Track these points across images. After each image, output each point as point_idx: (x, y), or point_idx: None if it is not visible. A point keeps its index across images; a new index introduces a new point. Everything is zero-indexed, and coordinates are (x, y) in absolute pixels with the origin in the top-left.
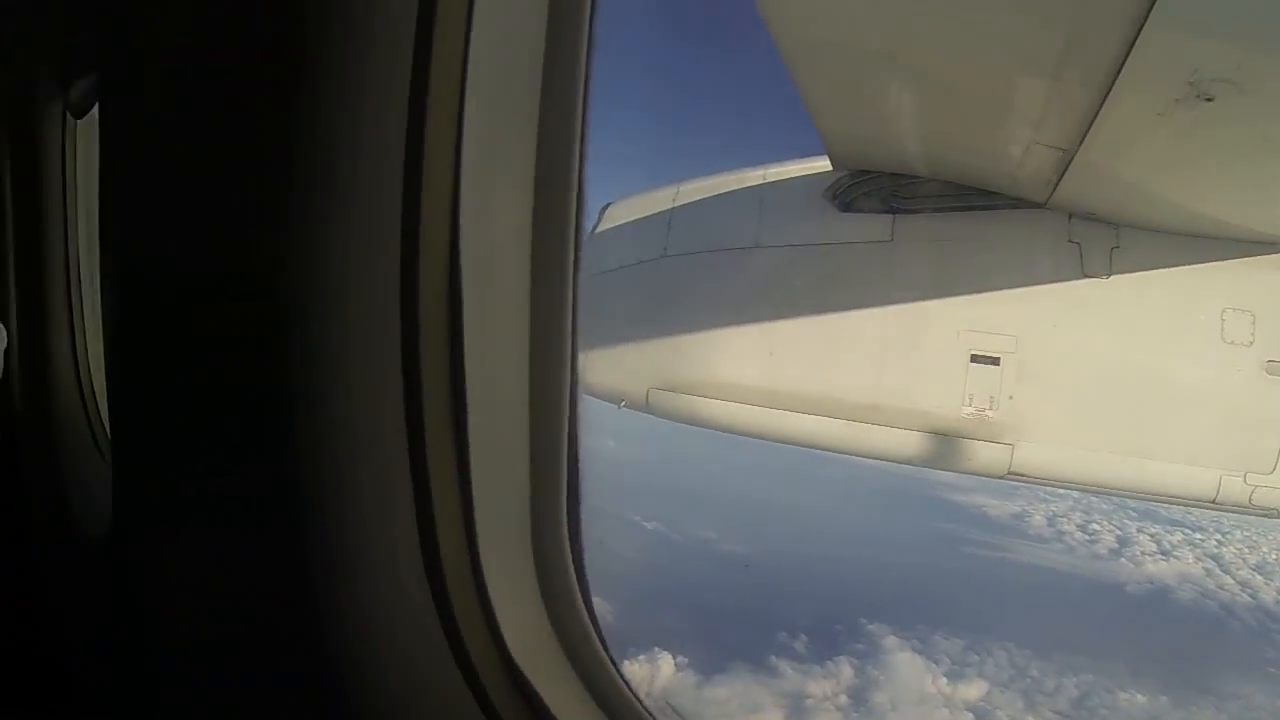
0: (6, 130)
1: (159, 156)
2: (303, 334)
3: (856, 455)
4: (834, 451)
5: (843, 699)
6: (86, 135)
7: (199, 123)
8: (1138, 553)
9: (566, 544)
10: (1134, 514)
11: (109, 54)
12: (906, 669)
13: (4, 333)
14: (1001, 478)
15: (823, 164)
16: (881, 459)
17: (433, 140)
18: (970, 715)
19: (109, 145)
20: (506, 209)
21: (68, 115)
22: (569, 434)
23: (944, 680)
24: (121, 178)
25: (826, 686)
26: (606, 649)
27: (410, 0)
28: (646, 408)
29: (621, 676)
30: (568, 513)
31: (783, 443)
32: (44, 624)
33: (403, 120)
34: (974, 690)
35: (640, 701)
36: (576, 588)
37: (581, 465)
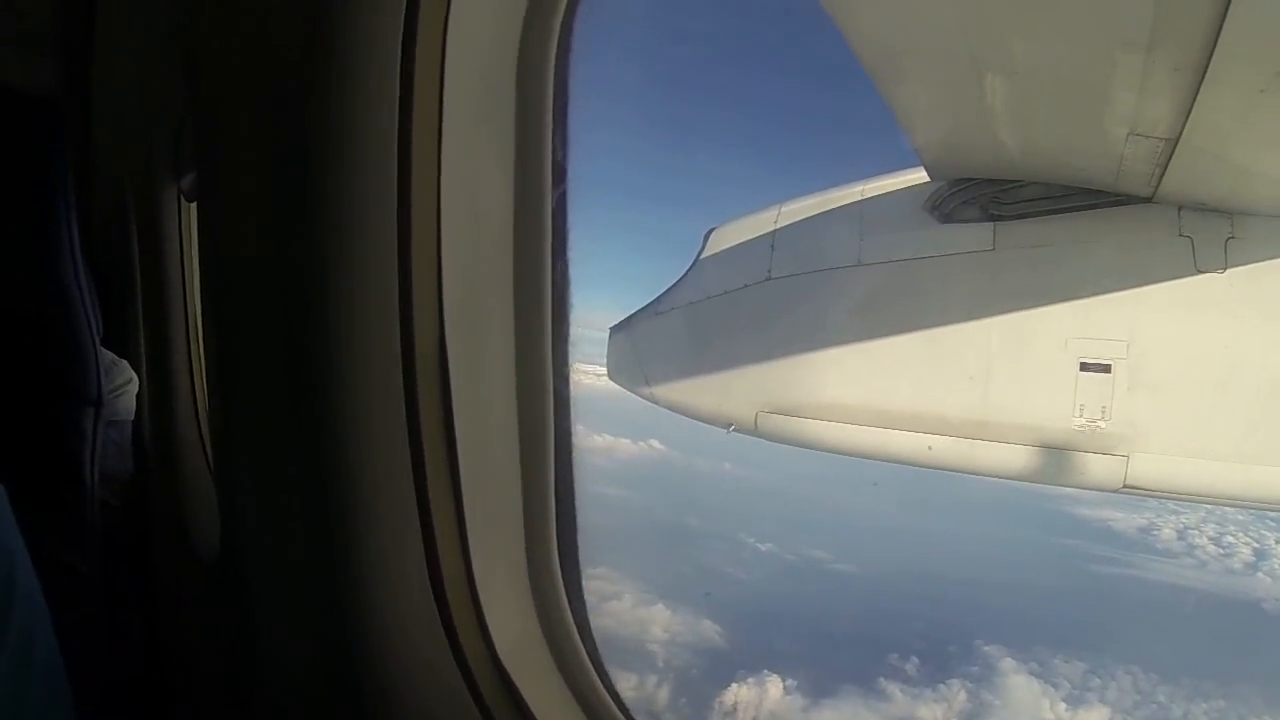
0: (135, 213)
1: (239, 237)
2: (324, 383)
3: (966, 472)
4: (944, 469)
5: None
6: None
7: (263, 210)
8: (1276, 566)
9: (555, 556)
10: (1273, 524)
11: (205, 152)
12: (1022, 693)
13: (136, 379)
14: (1117, 491)
15: (920, 175)
16: (992, 475)
17: (418, 156)
18: None
19: (205, 223)
20: (488, 247)
21: (181, 199)
22: (558, 451)
23: (1063, 705)
24: (212, 251)
25: (938, 711)
26: (593, 654)
27: (392, 45)
28: (755, 431)
29: (604, 680)
30: (558, 526)
31: (892, 462)
32: (166, 640)
33: (392, 149)
34: (1095, 716)
35: (622, 705)
36: (565, 596)
37: (573, 479)
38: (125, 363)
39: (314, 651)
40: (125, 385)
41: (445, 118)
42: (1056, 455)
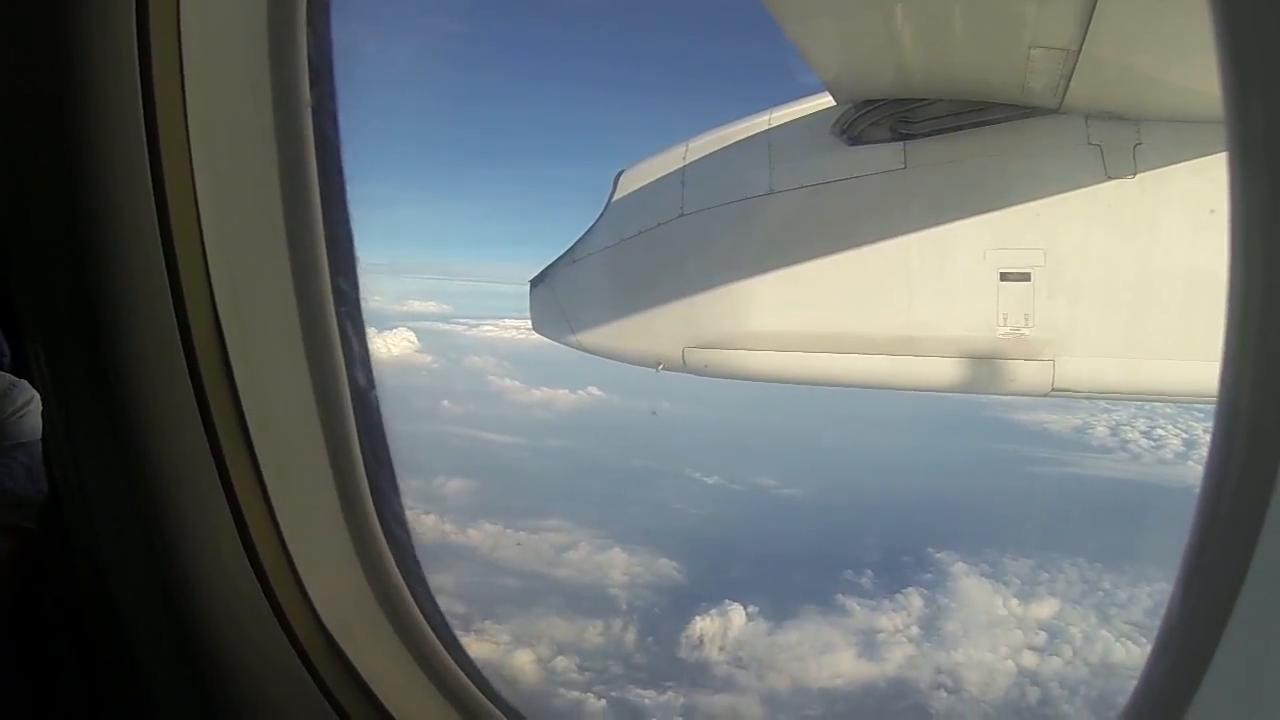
0: None
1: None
2: (109, 377)
3: (898, 389)
4: (875, 387)
5: (914, 630)
6: None
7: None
8: (1205, 454)
9: (373, 513)
10: (1200, 415)
11: None
12: (976, 593)
13: (38, 398)
14: (1047, 395)
15: (826, 100)
16: (924, 390)
17: (168, 156)
18: (1044, 633)
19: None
20: (252, 214)
21: None
22: (360, 410)
23: (1015, 601)
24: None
25: (897, 620)
26: (425, 608)
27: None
28: (684, 367)
29: (441, 634)
30: (371, 483)
31: (823, 385)
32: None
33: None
34: (1046, 608)
35: (461, 656)
36: (391, 557)
37: (384, 438)
38: (25, 383)
39: (151, 641)
40: (26, 406)
41: (188, 93)
42: (985, 365)
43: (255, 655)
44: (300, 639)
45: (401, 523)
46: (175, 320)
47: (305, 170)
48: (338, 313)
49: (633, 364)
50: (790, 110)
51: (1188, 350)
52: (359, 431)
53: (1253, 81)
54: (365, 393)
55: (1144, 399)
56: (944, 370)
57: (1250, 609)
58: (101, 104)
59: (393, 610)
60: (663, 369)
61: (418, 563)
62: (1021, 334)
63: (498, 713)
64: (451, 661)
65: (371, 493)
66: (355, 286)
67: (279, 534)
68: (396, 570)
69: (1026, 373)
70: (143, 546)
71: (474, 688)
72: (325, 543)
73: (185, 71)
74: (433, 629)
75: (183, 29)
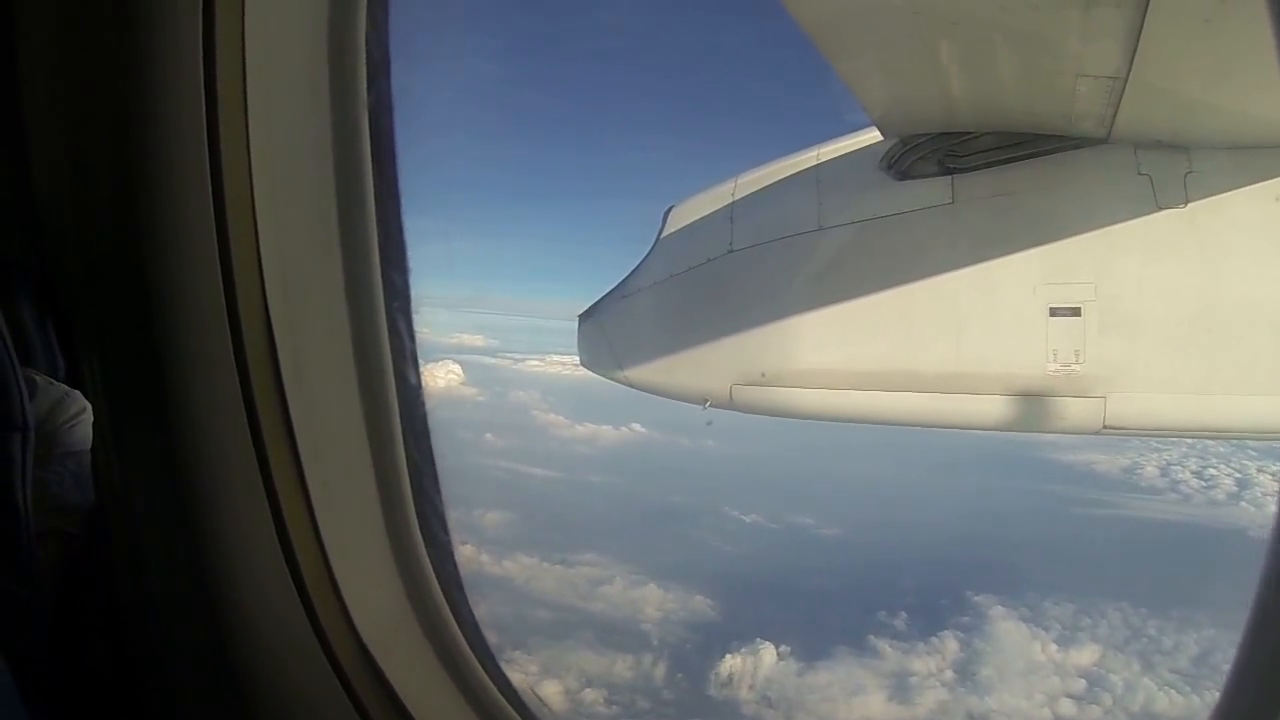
0: None
1: (84, 243)
2: (159, 385)
3: (945, 427)
4: (923, 425)
5: (948, 674)
6: None
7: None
8: (1259, 494)
9: (417, 530)
10: (1253, 454)
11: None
12: (1013, 638)
13: (90, 409)
14: (1097, 433)
15: (873, 135)
16: (972, 428)
17: (228, 158)
18: (1083, 680)
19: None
20: (306, 224)
21: None
22: (410, 433)
23: (1054, 647)
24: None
25: (931, 663)
26: (466, 630)
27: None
28: (731, 404)
29: (478, 651)
30: (419, 504)
31: (871, 423)
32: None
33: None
34: (1086, 655)
35: (498, 674)
36: (432, 574)
37: (432, 459)
38: (78, 393)
39: (189, 650)
40: (79, 416)
41: (250, 106)
42: (1034, 402)
43: (292, 670)
44: (338, 656)
45: (445, 540)
46: (229, 332)
47: (361, 176)
48: (389, 325)
49: (680, 400)
50: (838, 146)
51: (1241, 385)
52: (406, 446)
53: None
54: (414, 408)
55: (1196, 436)
56: (993, 408)
57: None
58: (165, 115)
59: (432, 629)
60: (710, 406)
61: (460, 581)
62: (1072, 370)
63: None
64: (490, 684)
65: (416, 510)
66: (408, 300)
67: (322, 549)
68: (438, 588)
69: (1077, 410)
70: (185, 557)
71: (511, 710)
72: (368, 559)
73: (249, 82)
74: (472, 649)
75: (247, 41)
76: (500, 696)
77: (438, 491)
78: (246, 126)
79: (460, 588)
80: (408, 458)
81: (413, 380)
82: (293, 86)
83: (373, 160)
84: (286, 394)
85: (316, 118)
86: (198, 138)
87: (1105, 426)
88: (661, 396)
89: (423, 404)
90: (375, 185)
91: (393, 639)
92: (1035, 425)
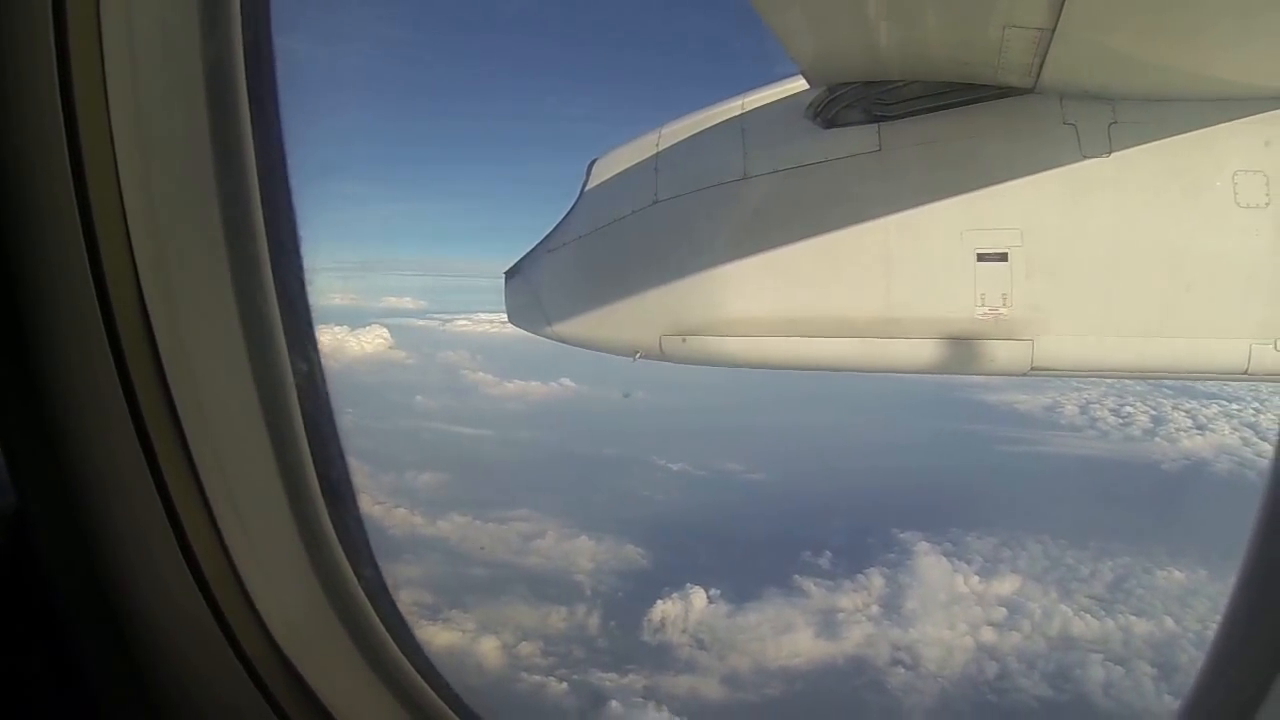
0: None
1: None
2: (34, 388)
3: (876, 371)
4: (853, 370)
5: (874, 609)
6: None
7: None
8: (1173, 430)
9: (326, 519)
10: (1169, 392)
11: None
12: (937, 572)
13: None
14: (1025, 375)
15: (800, 84)
16: (902, 371)
17: (89, 145)
18: (1003, 609)
19: None
20: (183, 204)
21: None
22: (313, 427)
23: (976, 579)
24: None
25: (858, 599)
26: (384, 614)
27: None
28: (661, 355)
29: (400, 642)
30: (324, 487)
31: (801, 369)
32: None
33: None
34: (1007, 585)
35: (422, 665)
36: (349, 568)
37: (335, 435)
38: None
39: (101, 661)
40: None
41: (109, 79)
42: (963, 345)
43: (203, 674)
44: (249, 654)
45: (358, 526)
46: (103, 325)
47: (242, 157)
48: (281, 308)
49: (610, 353)
50: (764, 94)
51: (1160, 328)
52: (307, 431)
53: None
54: (313, 391)
55: (1121, 376)
56: (922, 352)
57: None
58: (15, 97)
59: (350, 619)
60: (640, 357)
61: (377, 567)
62: (999, 314)
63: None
64: (412, 669)
65: (325, 498)
66: (301, 282)
67: (222, 544)
68: (353, 577)
69: (1005, 352)
70: (83, 563)
71: (434, 694)
72: (275, 552)
73: (105, 55)
74: (392, 636)
75: (103, 17)
76: (424, 682)
77: (346, 472)
78: (106, 100)
79: (377, 571)
80: (309, 439)
81: (311, 361)
82: (152, 35)
83: (253, 129)
84: (170, 383)
85: (185, 74)
86: (51, 104)
87: (1033, 368)
88: (591, 350)
89: (322, 382)
90: (258, 159)
91: (309, 633)
92: (965, 367)
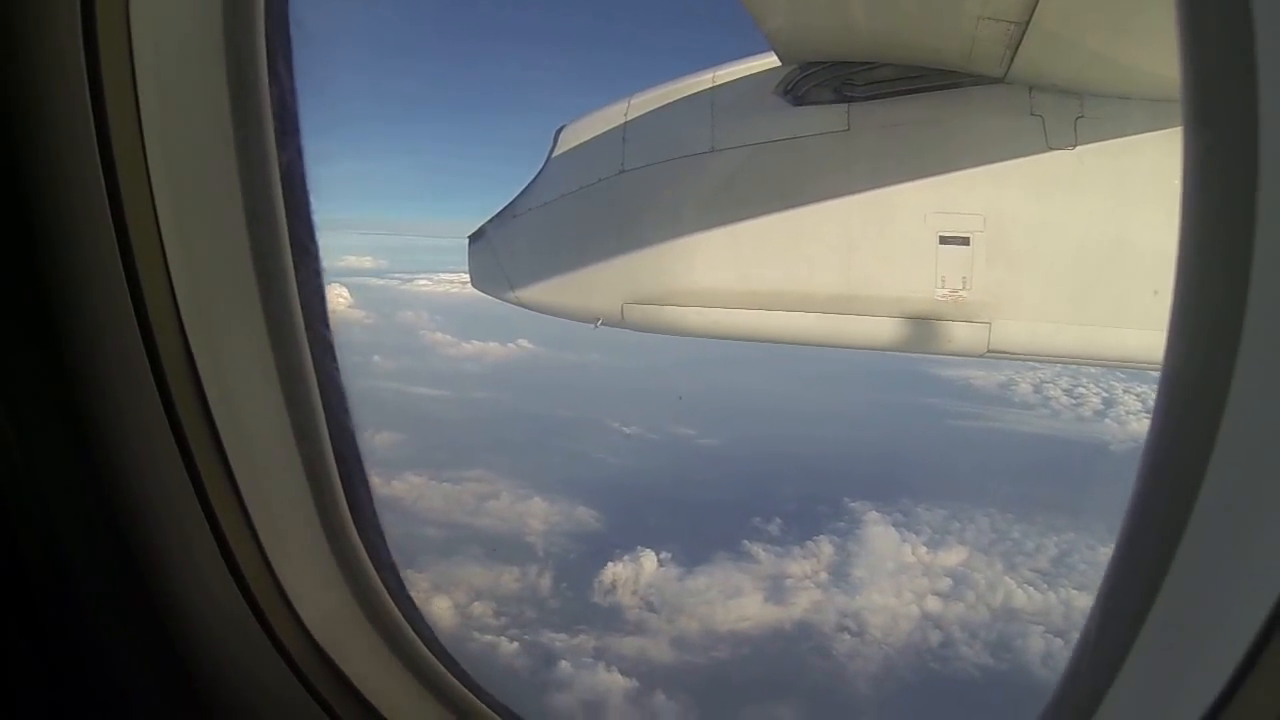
0: None
1: None
2: (75, 398)
3: (835, 346)
4: (813, 345)
5: (823, 576)
6: None
7: None
8: (1123, 412)
9: (353, 530)
10: (1122, 376)
11: None
12: (885, 542)
13: None
14: (982, 356)
15: (771, 60)
16: (861, 348)
17: (121, 151)
18: (949, 579)
19: None
20: (213, 214)
21: None
22: (333, 427)
23: (924, 549)
24: None
25: (807, 566)
26: (410, 616)
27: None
28: (623, 323)
29: (425, 637)
30: (352, 500)
31: (760, 341)
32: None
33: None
34: (954, 556)
35: (448, 659)
36: (372, 567)
37: (357, 450)
38: None
39: (140, 665)
40: None
41: (138, 74)
42: (922, 325)
43: (248, 670)
44: (290, 650)
45: (379, 532)
46: (137, 325)
47: (267, 163)
48: (301, 302)
49: (572, 320)
50: (734, 69)
51: (1115, 318)
52: (330, 432)
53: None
54: (334, 391)
55: (1075, 362)
56: (882, 330)
57: (1163, 615)
58: (48, 98)
59: (380, 622)
60: (602, 324)
61: (397, 570)
62: (959, 296)
63: (489, 711)
64: (442, 668)
65: (349, 505)
66: (319, 275)
67: (259, 546)
68: (375, 574)
69: (963, 334)
70: (123, 566)
71: (466, 690)
72: (307, 552)
73: (135, 50)
74: (419, 636)
75: (132, 11)
76: (454, 679)
77: (366, 481)
78: (136, 97)
79: (398, 574)
80: (333, 443)
81: (332, 360)
82: (183, 43)
83: (276, 130)
84: (203, 383)
85: (210, 74)
86: (84, 114)
87: (989, 350)
88: (553, 316)
89: (345, 394)
90: (280, 153)
91: (345, 636)
92: (923, 347)
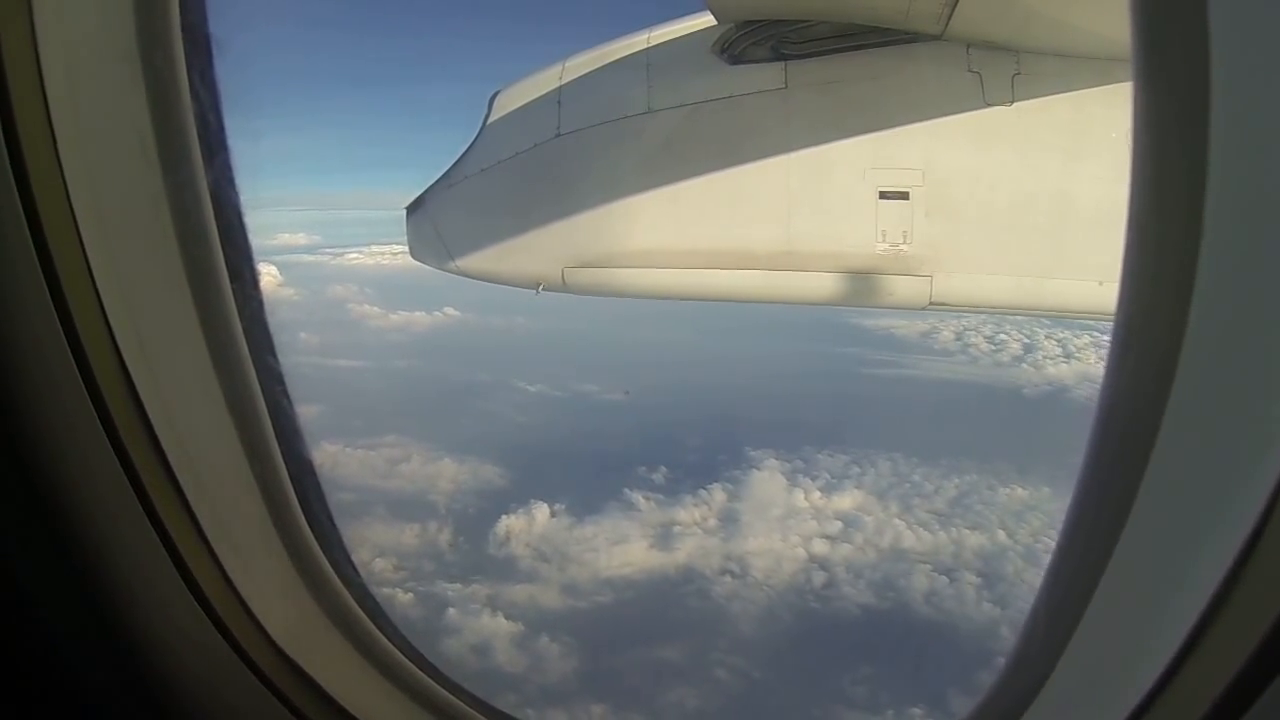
0: None
1: None
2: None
3: (778, 302)
4: (755, 301)
5: (711, 523)
6: None
7: None
8: (1040, 358)
9: (309, 534)
10: (1045, 322)
11: None
12: (774, 488)
13: None
14: (924, 309)
15: (706, 19)
16: (803, 303)
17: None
18: (839, 523)
19: None
20: (140, 227)
21: None
22: (280, 433)
23: (818, 494)
24: None
25: (696, 514)
26: (376, 616)
27: None
28: (564, 287)
29: (393, 638)
30: (303, 505)
31: (703, 300)
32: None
33: None
34: (848, 500)
35: (417, 657)
36: (332, 571)
37: (308, 455)
38: None
39: (107, 697)
40: None
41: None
42: (864, 279)
43: (216, 687)
44: (257, 662)
45: (338, 538)
46: (70, 354)
47: (186, 140)
48: (237, 303)
49: (513, 286)
50: (670, 29)
51: (1052, 269)
52: (278, 437)
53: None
54: (279, 394)
55: (1015, 313)
56: (823, 284)
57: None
58: None
59: (347, 626)
60: (543, 289)
61: (360, 574)
62: (900, 250)
63: (463, 705)
64: (414, 666)
65: (305, 513)
66: (254, 272)
67: (217, 562)
68: (336, 577)
69: (904, 287)
70: (79, 595)
71: (439, 687)
72: (264, 562)
73: (41, 58)
74: (388, 637)
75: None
76: (425, 675)
77: (316, 481)
78: (40, 76)
79: (357, 573)
80: (281, 448)
81: (274, 360)
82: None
83: (195, 113)
84: (141, 397)
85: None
86: None
87: (931, 303)
88: (494, 283)
89: (286, 383)
90: (201, 143)
91: (308, 639)
92: (864, 301)
